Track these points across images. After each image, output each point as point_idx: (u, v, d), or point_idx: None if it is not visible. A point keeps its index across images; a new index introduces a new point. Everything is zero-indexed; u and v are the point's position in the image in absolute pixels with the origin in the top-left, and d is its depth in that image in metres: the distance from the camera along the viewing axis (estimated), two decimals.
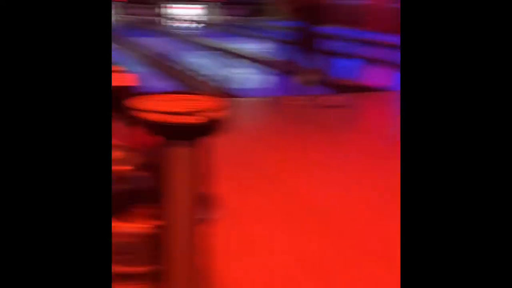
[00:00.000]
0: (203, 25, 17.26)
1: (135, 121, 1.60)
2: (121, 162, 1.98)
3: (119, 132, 2.37)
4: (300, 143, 4.49)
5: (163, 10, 18.34)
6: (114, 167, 1.94)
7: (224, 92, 6.57)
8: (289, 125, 5.14)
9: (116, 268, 2.19)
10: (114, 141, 2.17)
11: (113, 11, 17.56)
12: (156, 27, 15.04)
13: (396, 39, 9.84)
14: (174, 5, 18.51)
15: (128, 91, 2.54)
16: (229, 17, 19.01)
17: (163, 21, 17.03)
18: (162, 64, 8.98)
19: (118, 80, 2.60)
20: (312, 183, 3.53)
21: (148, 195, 1.97)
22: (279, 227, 2.85)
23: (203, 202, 1.69)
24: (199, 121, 1.56)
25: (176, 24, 17.27)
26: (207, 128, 1.58)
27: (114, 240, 2.40)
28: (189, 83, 7.26)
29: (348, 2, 15.60)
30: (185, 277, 1.68)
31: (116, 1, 17.38)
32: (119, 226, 1.89)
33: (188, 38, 12.76)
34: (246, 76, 8.83)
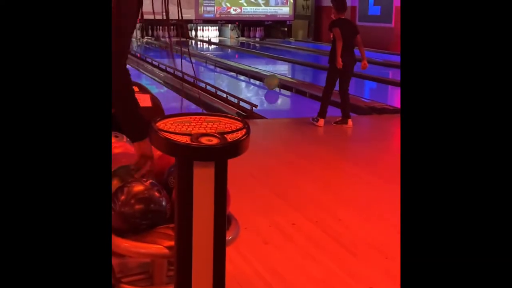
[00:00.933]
0: (221, 46, 17.43)
1: (157, 142, 1.62)
2: (143, 182, 2.00)
3: (141, 152, 2.40)
4: (319, 163, 4.49)
5: (182, 32, 18.58)
6: (136, 188, 1.96)
7: (243, 112, 6.60)
8: (308, 145, 5.14)
9: None
10: (136, 162, 2.19)
11: (135, 33, 17.81)
12: (175, 49, 15.22)
13: None
14: (192, 26, 18.74)
15: (149, 113, 2.58)
16: (245, 38, 19.18)
17: (182, 42, 17.24)
18: (181, 85, 9.06)
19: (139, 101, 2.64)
20: (333, 205, 3.51)
21: (170, 216, 1.99)
22: (298, 248, 2.84)
23: (226, 222, 1.69)
24: (221, 143, 1.57)
25: (194, 45, 17.47)
26: (230, 149, 1.59)
27: (133, 260, 2.41)
28: (207, 104, 7.31)
29: (374, 25, 15.66)
30: None
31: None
32: (139, 247, 1.90)
33: (206, 59, 12.88)
34: (264, 97, 8.87)
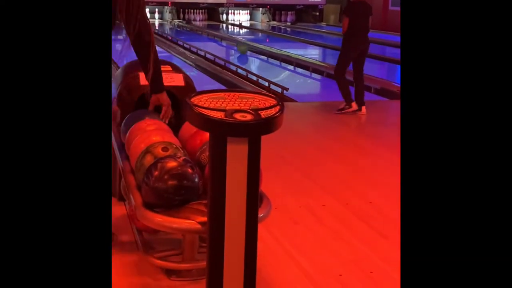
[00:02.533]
0: (252, 29, 17.36)
1: (191, 117, 1.63)
2: (176, 158, 2.02)
3: (174, 129, 2.42)
4: (349, 147, 4.46)
5: (213, 15, 18.57)
6: (170, 164, 1.98)
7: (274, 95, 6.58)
8: (338, 129, 5.11)
9: (165, 264, 2.24)
10: (168, 138, 2.22)
11: (166, 16, 17.88)
12: (207, 32, 15.23)
13: None
14: (223, 10, 18.71)
15: (182, 91, 2.60)
16: (277, 22, 19.06)
17: (213, 25, 17.25)
18: (213, 68, 9.08)
19: (169, 80, 2.66)
20: (361, 187, 3.49)
21: (203, 192, 2.00)
22: (325, 227, 2.84)
23: (258, 199, 1.70)
24: (255, 119, 1.57)
25: (225, 28, 17.45)
26: (263, 126, 1.59)
27: (164, 236, 2.45)
28: (238, 87, 7.31)
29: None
30: (236, 275, 1.69)
31: (169, 5, 17.67)
32: (172, 222, 1.92)
33: (237, 42, 12.87)
34: (295, 81, 8.83)
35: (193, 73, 8.89)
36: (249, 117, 1.58)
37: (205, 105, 1.61)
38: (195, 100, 1.64)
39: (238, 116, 1.57)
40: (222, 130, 1.58)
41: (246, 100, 1.68)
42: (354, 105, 5.53)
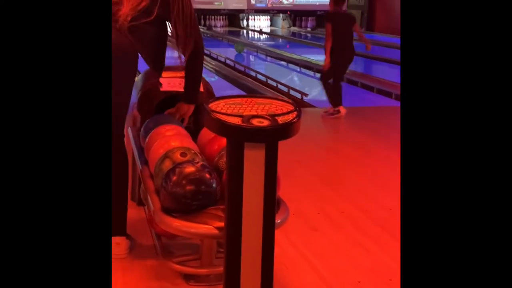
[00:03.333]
0: (273, 35, 17.40)
1: (209, 123, 1.64)
2: (194, 164, 2.03)
3: (193, 135, 2.44)
4: (368, 153, 4.43)
5: (234, 21, 18.66)
6: (188, 169, 1.99)
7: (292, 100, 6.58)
8: (357, 135, 5.08)
9: (184, 269, 2.26)
10: (187, 144, 2.24)
11: None
12: (227, 38, 15.30)
13: None
14: (244, 16, 18.79)
15: (201, 97, 2.61)
16: (297, 28, 19.07)
17: (234, 32, 17.35)
18: (233, 74, 9.12)
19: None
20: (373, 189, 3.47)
21: (220, 197, 2.01)
22: (343, 231, 2.82)
23: (276, 204, 1.70)
24: (272, 125, 1.58)
25: (246, 34, 17.52)
26: (280, 131, 1.60)
27: (183, 241, 2.46)
28: (258, 92, 7.33)
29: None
30: (253, 280, 1.70)
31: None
32: (190, 227, 1.94)
33: (258, 48, 12.90)
34: (315, 87, 8.81)
35: (213, 79, 8.93)
36: (266, 122, 1.59)
37: (222, 111, 1.62)
38: (213, 105, 1.65)
39: (255, 121, 1.58)
40: (239, 136, 1.59)
41: (263, 105, 1.69)
42: (343, 109, 5.56)
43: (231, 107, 1.65)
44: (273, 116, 1.61)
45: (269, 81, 8.02)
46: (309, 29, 19.02)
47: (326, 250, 2.64)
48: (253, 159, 1.61)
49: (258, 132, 1.58)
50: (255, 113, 1.62)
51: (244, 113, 1.61)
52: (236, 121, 1.58)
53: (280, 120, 1.61)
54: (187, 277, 2.28)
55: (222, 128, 1.60)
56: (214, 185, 1.99)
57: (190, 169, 1.99)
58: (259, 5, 18.56)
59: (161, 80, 2.61)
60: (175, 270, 2.28)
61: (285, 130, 1.61)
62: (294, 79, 9.61)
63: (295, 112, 1.66)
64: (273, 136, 1.61)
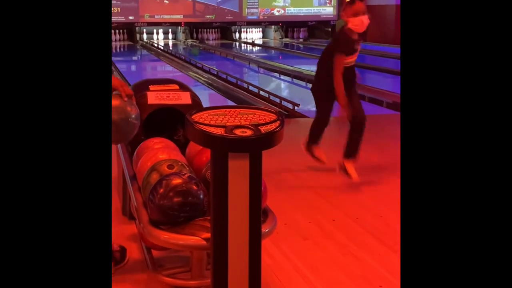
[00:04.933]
0: (265, 47, 17.47)
1: (192, 134, 1.65)
2: (181, 175, 2.04)
3: (182, 147, 2.45)
4: (359, 162, 4.44)
5: (226, 34, 18.74)
6: (175, 181, 2.00)
7: (285, 112, 6.60)
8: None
9: (174, 281, 2.25)
10: (174, 156, 2.24)
11: (179, 36, 18.07)
12: (219, 50, 15.36)
13: None
14: (236, 29, 18.87)
15: (189, 110, 2.62)
16: (289, 39, 19.17)
17: (226, 44, 17.42)
18: (225, 86, 9.15)
19: (177, 98, 2.69)
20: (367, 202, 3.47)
21: (208, 209, 2.02)
22: (332, 243, 2.82)
23: (261, 214, 1.70)
24: (255, 134, 1.59)
25: (238, 47, 17.59)
26: (263, 141, 1.61)
27: (173, 253, 2.45)
28: (249, 104, 7.35)
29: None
30: None
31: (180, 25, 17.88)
32: (178, 239, 1.93)
33: (250, 60, 12.96)
34: (307, 97, 8.84)
35: (206, 91, 8.95)
36: (249, 132, 1.60)
37: (205, 122, 1.63)
38: (196, 117, 1.66)
39: (238, 132, 1.59)
40: (223, 146, 1.60)
41: (246, 116, 1.70)
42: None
43: (214, 118, 1.66)
44: (256, 126, 1.62)
45: (261, 93, 8.04)
46: (301, 40, 19.12)
47: (317, 260, 2.65)
48: (238, 169, 1.61)
49: (241, 142, 1.58)
50: (238, 123, 1.63)
51: (227, 124, 1.62)
52: (219, 131, 1.58)
53: (263, 129, 1.62)
54: None
55: (206, 139, 1.61)
56: (201, 196, 2.00)
57: (176, 181, 1.99)
58: (250, 17, 18.66)
59: (148, 93, 2.61)
60: (165, 283, 2.28)
61: (268, 139, 1.62)
62: (286, 90, 9.64)
63: (278, 121, 1.67)
64: (256, 145, 1.61)
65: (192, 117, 1.65)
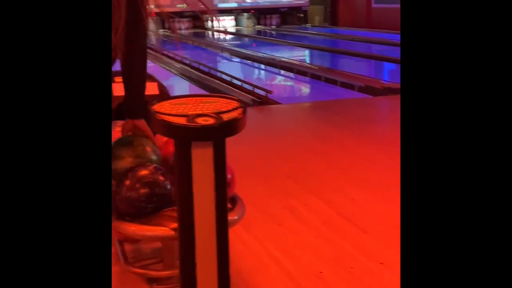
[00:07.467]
0: (238, 35, 17.39)
1: (154, 125, 1.64)
2: (147, 166, 2.03)
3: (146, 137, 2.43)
4: (334, 146, 4.48)
5: (196, 22, 18.59)
6: (141, 172, 1.99)
7: (258, 99, 6.60)
8: (323, 128, 5.13)
9: (145, 272, 2.25)
10: (144, 147, 2.23)
11: (150, 26, 17.87)
12: (190, 39, 15.25)
13: None
14: (208, 17, 18.73)
15: (154, 99, 2.60)
16: (262, 26, 19.11)
17: (199, 33, 17.29)
18: (198, 75, 9.10)
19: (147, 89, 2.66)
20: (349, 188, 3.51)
21: (174, 198, 2.01)
22: (310, 228, 2.85)
23: (227, 201, 1.71)
24: (217, 122, 1.58)
25: (211, 35, 17.48)
26: (226, 128, 1.60)
27: (146, 246, 2.45)
28: (222, 92, 7.33)
29: (390, 6, 15.46)
30: (209, 279, 1.70)
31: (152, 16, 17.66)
32: (146, 230, 1.93)
33: (222, 49, 12.90)
34: (280, 83, 8.86)
35: (179, 82, 8.90)
36: (211, 120, 1.59)
37: (167, 112, 1.62)
38: (157, 107, 1.65)
39: (200, 120, 1.58)
40: (186, 136, 1.59)
41: (208, 104, 1.70)
42: None
43: (175, 107, 1.65)
44: (218, 114, 1.62)
45: (234, 81, 8.03)
46: (274, 27, 19.10)
47: (290, 244, 2.67)
48: (201, 157, 1.61)
49: (204, 130, 1.58)
50: (200, 112, 1.63)
51: (189, 113, 1.62)
52: (181, 121, 1.58)
53: (225, 117, 1.61)
54: (150, 281, 2.27)
55: (168, 129, 1.60)
56: (168, 186, 1.99)
57: (143, 172, 1.99)
58: (221, 5, 18.55)
59: (113, 85, 2.58)
60: (137, 275, 2.27)
61: (231, 127, 1.61)
62: (259, 77, 9.64)
63: (241, 109, 1.67)
64: (219, 133, 1.61)
65: (153, 107, 1.64)
